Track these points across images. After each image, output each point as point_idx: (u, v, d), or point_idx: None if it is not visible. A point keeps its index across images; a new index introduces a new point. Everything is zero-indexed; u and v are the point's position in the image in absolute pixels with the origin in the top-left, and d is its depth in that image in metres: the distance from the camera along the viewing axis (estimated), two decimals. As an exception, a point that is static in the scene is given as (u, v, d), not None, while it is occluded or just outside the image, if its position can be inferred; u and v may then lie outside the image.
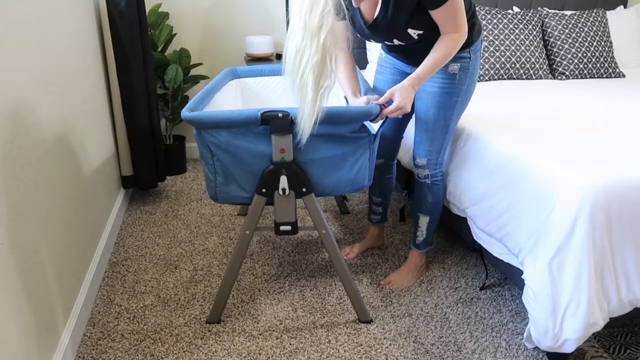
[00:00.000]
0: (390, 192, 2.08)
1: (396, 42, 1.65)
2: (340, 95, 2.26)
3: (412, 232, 2.20)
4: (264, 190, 1.57)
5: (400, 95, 1.52)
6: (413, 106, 1.81)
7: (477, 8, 2.67)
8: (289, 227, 1.65)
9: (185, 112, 1.47)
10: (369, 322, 1.75)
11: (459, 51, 1.62)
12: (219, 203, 1.64)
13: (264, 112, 1.47)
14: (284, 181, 1.55)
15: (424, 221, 1.92)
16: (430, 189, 1.85)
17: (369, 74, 2.71)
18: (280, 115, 1.47)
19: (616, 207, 1.35)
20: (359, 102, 1.65)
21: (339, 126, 1.51)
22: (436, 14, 1.49)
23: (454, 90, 1.68)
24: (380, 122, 1.63)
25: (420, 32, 1.56)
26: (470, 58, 1.65)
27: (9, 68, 1.25)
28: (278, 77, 2.21)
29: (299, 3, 1.29)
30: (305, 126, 1.40)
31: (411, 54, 1.68)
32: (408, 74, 1.72)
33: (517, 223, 1.55)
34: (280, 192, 1.57)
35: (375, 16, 1.56)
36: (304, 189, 1.58)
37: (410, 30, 1.56)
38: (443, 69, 1.65)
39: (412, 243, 1.99)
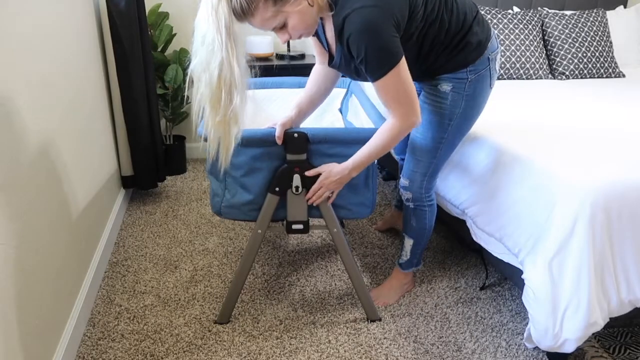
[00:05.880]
0: None
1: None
2: (336, 104, 2.23)
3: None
4: (277, 189, 1.57)
5: (325, 177, 1.50)
6: None
7: (477, 8, 2.66)
8: (301, 226, 1.64)
9: (201, 129, 1.43)
10: (379, 320, 1.75)
11: (453, 68, 1.44)
12: (223, 218, 1.64)
13: None
14: (297, 179, 1.55)
15: (408, 243, 1.80)
16: (414, 213, 1.71)
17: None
18: (296, 135, 1.48)
19: (616, 207, 1.35)
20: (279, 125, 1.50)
21: (351, 147, 1.52)
22: (376, 87, 1.29)
23: (444, 112, 1.50)
24: None
25: None
26: (467, 79, 1.46)
27: (9, 68, 1.25)
28: (280, 90, 2.19)
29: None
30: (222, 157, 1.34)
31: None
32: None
33: (517, 223, 1.55)
34: (294, 190, 1.56)
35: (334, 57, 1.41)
36: None
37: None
38: (434, 85, 1.49)
39: (397, 260, 1.89)
